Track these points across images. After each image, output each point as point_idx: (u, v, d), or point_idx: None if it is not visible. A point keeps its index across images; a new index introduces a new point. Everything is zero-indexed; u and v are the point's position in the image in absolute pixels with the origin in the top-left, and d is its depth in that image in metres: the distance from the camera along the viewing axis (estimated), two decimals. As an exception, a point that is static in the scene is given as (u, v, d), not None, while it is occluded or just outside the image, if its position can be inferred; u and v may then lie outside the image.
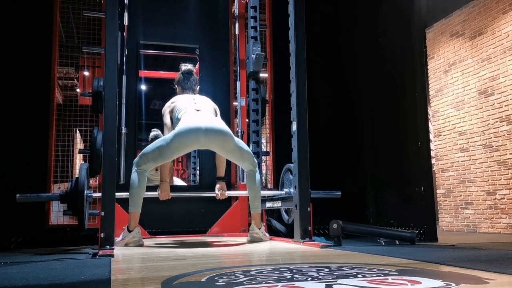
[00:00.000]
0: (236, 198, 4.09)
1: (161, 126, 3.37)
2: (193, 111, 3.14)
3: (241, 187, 3.92)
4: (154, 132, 4.35)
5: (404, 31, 3.94)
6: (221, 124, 3.10)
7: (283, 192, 3.51)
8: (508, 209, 5.16)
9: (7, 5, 3.82)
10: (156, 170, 3.52)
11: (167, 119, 3.24)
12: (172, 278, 1.53)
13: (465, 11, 5.97)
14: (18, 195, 2.94)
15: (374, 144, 4.37)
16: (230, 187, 4.09)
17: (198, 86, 3.54)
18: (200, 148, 3.16)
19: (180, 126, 3.01)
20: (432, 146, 6.27)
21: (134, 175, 3.07)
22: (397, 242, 3.05)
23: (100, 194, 2.84)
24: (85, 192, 2.87)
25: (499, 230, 5.25)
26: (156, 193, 3.24)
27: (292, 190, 3.26)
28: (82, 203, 2.81)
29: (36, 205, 3.64)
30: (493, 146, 5.42)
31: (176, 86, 3.51)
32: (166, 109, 3.29)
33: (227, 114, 4.19)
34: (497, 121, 5.38)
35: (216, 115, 3.29)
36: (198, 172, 4.46)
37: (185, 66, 3.50)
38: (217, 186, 3.37)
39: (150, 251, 2.72)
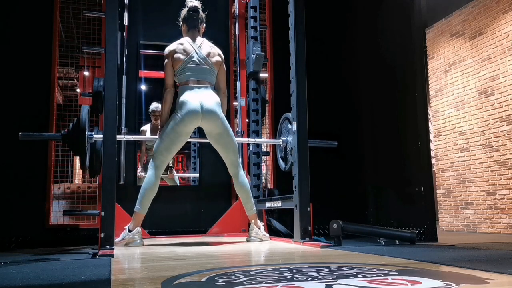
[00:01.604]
0: (236, 198, 4.09)
1: None
2: (193, 87, 3.13)
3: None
4: (154, 104, 4.34)
5: (404, 31, 3.94)
6: (214, 106, 3.12)
7: (281, 140, 3.59)
8: (508, 209, 5.15)
9: (7, 5, 3.82)
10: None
11: (169, 78, 3.18)
12: (172, 278, 1.52)
13: (465, 11, 5.97)
14: (20, 133, 2.96)
15: (374, 144, 4.37)
16: (228, 187, 4.09)
17: (204, 24, 3.41)
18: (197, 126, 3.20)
19: (181, 110, 3.06)
20: (432, 146, 6.27)
21: (151, 172, 3.09)
22: (397, 242, 3.05)
23: (101, 136, 2.87)
24: (86, 132, 2.87)
25: (499, 230, 5.25)
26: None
27: (289, 138, 3.36)
28: (84, 142, 2.82)
29: (36, 205, 3.65)
30: (493, 146, 5.42)
31: (181, 23, 3.38)
32: (168, 58, 3.19)
33: (227, 114, 4.19)
34: (497, 121, 5.38)
35: (216, 76, 3.26)
36: (198, 172, 4.46)
37: (191, 3, 3.35)
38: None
39: (150, 251, 2.72)
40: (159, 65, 4.72)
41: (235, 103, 4.33)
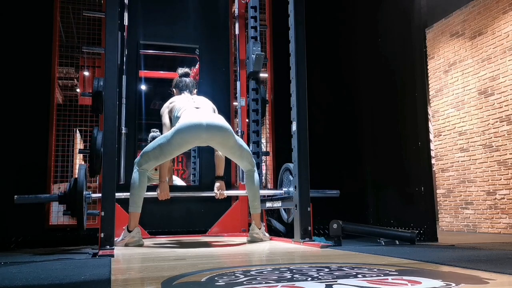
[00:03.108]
0: (236, 198, 4.09)
1: (161, 127, 3.37)
2: (192, 108, 3.15)
3: (241, 187, 3.92)
4: (153, 133, 4.35)
5: (404, 31, 3.94)
6: (221, 121, 3.10)
7: (282, 191, 3.51)
8: (508, 209, 5.15)
9: (7, 5, 3.82)
10: (156, 169, 3.52)
11: (166, 119, 3.25)
12: (172, 278, 1.52)
13: (465, 11, 5.96)
14: (16, 196, 2.91)
15: (374, 144, 4.37)
16: (230, 187, 4.09)
17: (196, 89, 3.56)
18: (201, 145, 3.16)
19: (180, 123, 3.01)
20: (432, 146, 6.27)
21: (135, 175, 3.07)
22: (397, 242, 3.05)
23: (99, 195, 2.84)
24: (84, 193, 2.86)
25: (499, 230, 5.25)
26: (155, 193, 3.24)
27: (291, 189, 3.25)
28: (81, 204, 2.81)
29: (36, 205, 3.64)
30: (493, 146, 5.42)
31: (174, 89, 3.53)
32: (164, 109, 3.30)
33: (227, 114, 4.19)
34: (497, 121, 5.38)
35: (215, 113, 3.30)
36: (198, 172, 4.46)
37: (181, 70, 3.53)
38: (216, 185, 3.37)
39: (150, 251, 2.72)
40: (159, 65, 4.72)
41: (235, 103, 4.33)
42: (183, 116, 3.07)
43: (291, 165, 3.25)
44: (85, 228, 3.04)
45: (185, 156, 4.88)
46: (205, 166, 4.27)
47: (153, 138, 4.28)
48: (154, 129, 4.39)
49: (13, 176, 3.62)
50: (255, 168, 3.30)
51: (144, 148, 3.18)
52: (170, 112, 3.25)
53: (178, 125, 3.01)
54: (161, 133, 3.29)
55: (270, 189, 4.15)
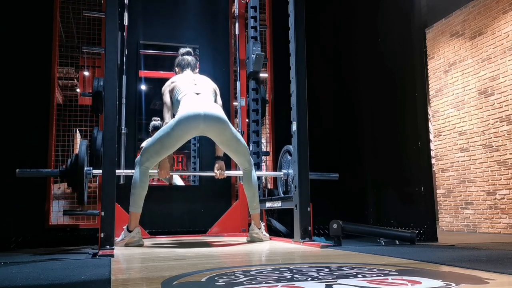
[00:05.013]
0: (236, 198, 4.09)
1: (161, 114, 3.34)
2: (193, 95, 3.13)
3: (241, 187, 3.92)
4: (154, 121, 4.34)
5: (404, 31, 3.94)
6: (219, 111, 3.10)
7: (282, 173, 3.54)
8: (508, 209, 5.15)
9: (7, 5, 3.82)
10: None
11: (167, 98, 3.23)
12: (172, 278, 1.52)
13: (465, 11, 5.96)
14: (18, 170, 2.93)
15: (374, 144, 4.37)
16: (230, 187, 4.09)
17: (198, 68, 3.51)
18: (199, 135, 3.14)
19: (179, 114, 3.01)
20: (432, 146, 6.27)
21: (136, 174, 3.05)
22: (397, 242, 3.05)
23: (99, 171, 2.85)
24: (85, 168, 2.86)
25: (499, 230, 5.25)
26: (155, 171, 3.21)
27: (290, 171, 3.29)
28: (82, 179, 2.81)
29: (36, 205, 3.65)
30: (493, 146, 5.42)
31: (176, 68, 3.49)
32: (166, 88, 3.27)
33: (227, 114, 4.19)
34: (497, 121, 5.38)
35: (215, 97, 3.30)
36: (198, 172, 4.46)
37: (183, 49, 3.52)
38: (216, 165, 3.36)
39: (150, 251, 2.72)
40: (159, 65, 4.72)
41: (235, 103, 4.33)
42: (182, 103, 3.07)
43: (290, 147, 3.26)
44: (86, 204, 3.03)
45: (185, 156, 4.88)
46: (205, 166, 4.27)
47: (154, 126, 4.28)
48: (155, 118, 4.38)
49: (13, 176, 3.62)
50: (253, 167, 3.29)
51: (144, 146, 3.17)
52: (171, 91, 3.23)
53: (177, 116, 3.01)
54: (162, 114, 3.24)
55: (270, 189, 4.15)
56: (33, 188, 3.65)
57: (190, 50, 3.53)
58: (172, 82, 3.27)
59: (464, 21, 5.97)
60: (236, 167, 4.11)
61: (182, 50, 3.52)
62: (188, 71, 3.40)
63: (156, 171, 3.25)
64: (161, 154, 3.09)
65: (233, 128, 3.16)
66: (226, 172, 3.41)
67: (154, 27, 4.34)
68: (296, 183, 3.07)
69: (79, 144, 3.04)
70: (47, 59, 3.84)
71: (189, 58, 3.45)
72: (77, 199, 2.99)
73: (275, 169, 4.32)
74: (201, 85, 3.25)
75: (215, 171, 3.34)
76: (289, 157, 3.38)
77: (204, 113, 3.00)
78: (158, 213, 3.95)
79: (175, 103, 3.17)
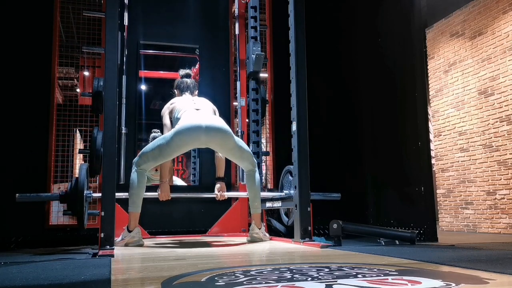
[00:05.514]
0: (236, 198, 4.09)
1: (161, 127, 3.37)
2: (193, 110, 3.16)
3: (241, 187, 3.92)
4: (154, 133, 4.34)
5: (404, 31, 3.94)
6: (221, 123, 3.10)
7: (283, 193, 3.50)
8: (508, 209, 5.15)
9: (7, 5, 3.82)
10: (156, 170, 3.51)
11: (166, 120, 3.26)
12: (172, 278, 1.52)
13: (465, 11, 5.96)
14: (17, 194, 2.93)
15: (374, 144, 4.37)
16: (230, 187, 4.09)
17: (197, 90, 3.57)
18: (200, 147, 3.16)
19: (180, 124, 3.02)
20: (432, 146, 6.27)
21: (133, 175, 3.07)
22: (397, 242, 3.05)
23: (100, 194, 2.84)
24: (85, 192, 2.86)
25: (499, 230, 5.25)
26: (156, 193, 3.24)
27: (292, 191, 3.24)
28: (82, 203, 2.81)
29: (36, 205, 3.64)
30: (493, 146, 5.42)
31: (175, 90, 3.54)
32: (165, 110, 3.30)
33: (227, 114, 4.19)
34: (497, 121, 5.38)
35: (215, 115, 3.30)
36: (198, 172, 4.46)
37: (183, 71, 3.57)
38: (217, 186, 3.37)
39: (150, 251, 2.72)
40: (159, 65, 4.73)
41: (235, 103, 4.33)
42: (183, 117, 3.08)
43: (291, 167, 3.25)
44: (86, 228, 3.04)
45: (185, 156, 4.88)
46: (205, 166, 4.27)
47: (154, 138, 4.27)
48: (155, 130, 4.39)
49: (13, 176, 3.62)
50: (256, 168, 3.30)
51: (143, 148, 3.18)
52: (171, 113, 3.26)
53: (177, 126, 3.01)
54: (162, 134, 3.30)
55: (270, 189, 4.15)
56: (33, 188, 3.64)
57: (190, 72, 3.58)
58: (171, 104, 3.30)
59: (464, 21, 5.97)
60: (236, 167, 4.12)
61: (181, 72, 3.58)
62: (187, 94, 3.44)
63: (157, 178, 3.30)
64: (158, 161, 3.11)
65: (235, 137, 3.17)
66: (227, 193, 3.44)
67: (154, 27, 4.34)
68: (296, 183, 3.07)
69: (78, 168, 3.03)
70: (47, 59, 3.84)
71: (188, 80, 3.50)
72: (77, 223, 2.99)
73: (275, 169, 4.32)
74: (201, 104, 3.28)
75: (216, 192, 3.36)
76: (290, 177, 3.36)
77: (206, 125, 3.00)
78: (158, 213, 3.95)
79: (174, 121, 3.17)
